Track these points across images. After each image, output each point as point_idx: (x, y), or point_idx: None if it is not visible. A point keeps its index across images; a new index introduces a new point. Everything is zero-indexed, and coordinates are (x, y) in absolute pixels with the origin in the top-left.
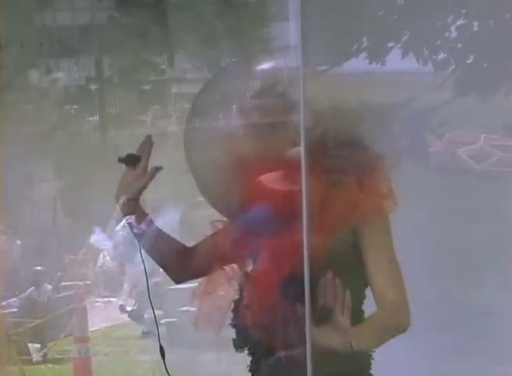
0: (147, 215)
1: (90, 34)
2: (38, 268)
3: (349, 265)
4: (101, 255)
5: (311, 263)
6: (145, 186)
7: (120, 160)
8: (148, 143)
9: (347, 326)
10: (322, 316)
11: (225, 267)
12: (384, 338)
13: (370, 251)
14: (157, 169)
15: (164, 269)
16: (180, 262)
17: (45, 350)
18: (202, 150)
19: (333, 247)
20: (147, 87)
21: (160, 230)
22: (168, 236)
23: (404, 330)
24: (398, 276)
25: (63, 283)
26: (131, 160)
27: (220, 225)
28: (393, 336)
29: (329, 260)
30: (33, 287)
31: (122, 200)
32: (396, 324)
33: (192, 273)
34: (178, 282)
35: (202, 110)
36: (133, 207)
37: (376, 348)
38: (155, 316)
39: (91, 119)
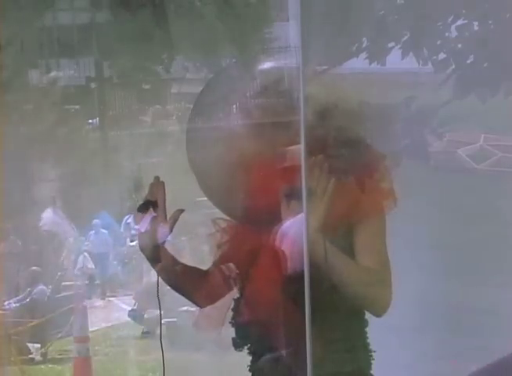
0: (172, 256)
1: (90, 34)
2: (38, 268)
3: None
4: (81, 257)
5: (312, 262)
6: (170, 230)
7: (140, 209)
8: (158, 185)
9: (322, 213)
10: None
11: (221, 266)
12: (355, 286)
13: (361, 251)
14: (180, 212)
15: (188, 298)
16: (202, 289)
17: (43, 350)
18: (203, 150)
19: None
20: (147, 87)
21: (183, 265)
22: (190, 268)
23: (375, 307)
24: (388, 276)
25: (63, 283)
26: (150, 207)
27: (222, 224)
28: (363, 303)
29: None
30: (33, 287)
31: (149, 248)
32: (373, 296)
33: (215, 295)
34: (204, 307)
35: (203, 110)
36: (160, 253)
37: (343, 278)
38: (160, 320)
39: (91, 119)
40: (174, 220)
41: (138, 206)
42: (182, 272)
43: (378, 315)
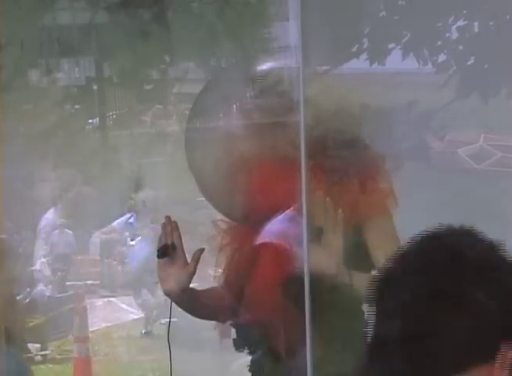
0: (197, 292)
1: (90, 34)
2: (38, 268)
3: (348, 265)
4: (38, 263)
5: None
6: (194, 272)
7: (159, 256)
8: (172, 226)
9: (339, 245)
10: (313, 236)
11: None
12: None
13: (375, 235)
14: (201, 252)
15: (208, 319)
16: (222, 307)
17: (48, 351)
18: (202, 150)
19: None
20: (147, 87)
21: (203, 294)
22: (208, 293)
23: None
24: None
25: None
26: (170, 251)
27: (223, 226)
28: None
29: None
30: (33, 287)
31: (174, 293)
32: None
33: (233, 308)
34: (225, 321)
35: (203, 110)
36: (186, 293)
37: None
38: (170, 322)
39: (91, 119)
40: (196, 261)
41: (157, 253)
42: (203, 301)
43: None
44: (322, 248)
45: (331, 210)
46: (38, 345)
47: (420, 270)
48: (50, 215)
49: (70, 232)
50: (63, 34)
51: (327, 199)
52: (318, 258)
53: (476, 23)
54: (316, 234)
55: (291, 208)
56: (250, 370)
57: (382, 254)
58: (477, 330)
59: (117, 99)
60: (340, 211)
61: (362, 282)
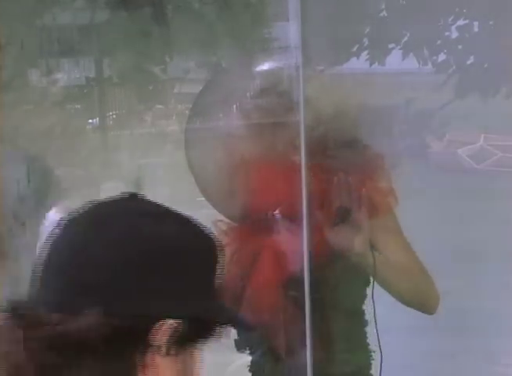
0: None
1: (90, 34)
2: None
3: (349, 264)
4: None
5: (312, 263)
6: None
7: None
8: None
9: (366, 223)
10: (340, 217)
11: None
12: (405, 289)
13: (382, 234)
14: None
15: None
16: None
17: None
18: (202, 150)
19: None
20: (148, 87)
21: None
22: None
23: (426, 307)
24: (413, 255)
25: None
26: None
27: (223, 226)
28: (416, 307)
29: (330, 259)
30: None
31: None
32: (418, 295)
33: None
34: None
35: (203, 110)
36: None
37: (395, 283)
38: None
39: (91, 119)
40: None
41: None
42: None
43: (431, 312)
44: (351, 228)
45: (355, 192)
46: None
47: None
48: (52, 216)
49: None
50: (63, 34)
51: (349, 178)
52: (346, 238)
53: (476, 23)
54: (343, 215)
55: (276, 211)
56: (250, 371)
57: (389, 252)
58: None
59: (117, 99)
60: (363, 189)
61: (384, 263)
